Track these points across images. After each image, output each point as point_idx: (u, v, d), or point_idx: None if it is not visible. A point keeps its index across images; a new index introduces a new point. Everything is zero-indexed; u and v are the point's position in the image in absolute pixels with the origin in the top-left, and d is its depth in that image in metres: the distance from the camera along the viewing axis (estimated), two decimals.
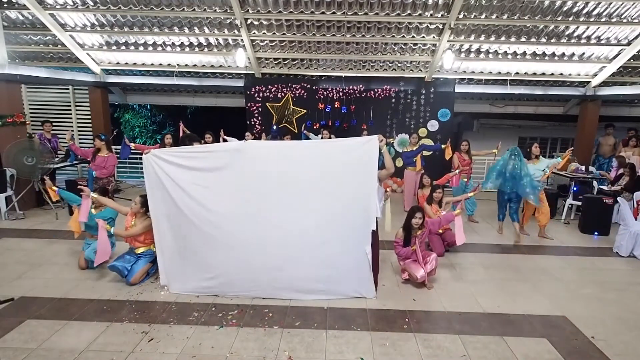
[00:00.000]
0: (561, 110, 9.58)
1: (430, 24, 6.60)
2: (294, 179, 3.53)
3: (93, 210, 4.13)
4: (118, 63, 8.14)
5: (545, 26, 6.53)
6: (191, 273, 3.69)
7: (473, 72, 8.07)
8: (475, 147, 6.54)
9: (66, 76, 7.73)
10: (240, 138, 6.01)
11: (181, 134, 6.17)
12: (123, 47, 7.60)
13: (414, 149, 6.70)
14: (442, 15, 6.37)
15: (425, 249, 4.19)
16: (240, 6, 6.24)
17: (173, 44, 7.47)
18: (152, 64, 8.11)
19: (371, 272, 3.62)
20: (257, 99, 8.20)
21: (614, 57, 7.25)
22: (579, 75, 7.94)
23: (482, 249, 5.04)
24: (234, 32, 6.97)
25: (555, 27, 6.58)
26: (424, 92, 8.07)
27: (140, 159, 3.76)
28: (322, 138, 6.72)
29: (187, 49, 7.58)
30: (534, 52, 7.35)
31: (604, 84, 8.05)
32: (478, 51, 7.43)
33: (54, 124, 7.38)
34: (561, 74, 7.96)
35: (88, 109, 8.60)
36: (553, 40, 6.92)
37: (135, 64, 8.13)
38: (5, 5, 6.52)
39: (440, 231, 4.77)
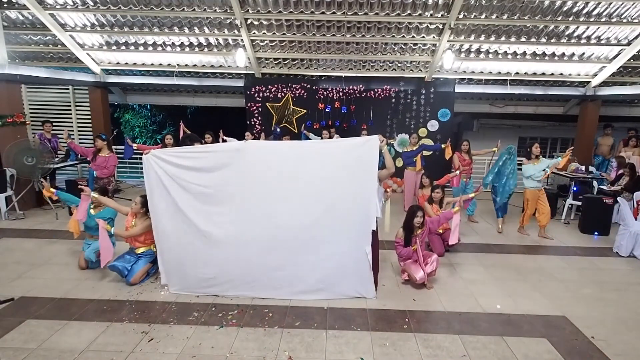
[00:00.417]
0: (561, 110, 9.58)
1: (430, 24, 6.60)
2: (293, 179, 3.53)
3: (92, 211, 4.13)
4: (118, 63, 8.15)
5: (545, 26, 6.53)
6: (191, 273, 3.69)
7: (473, 72, 8.07)
8: (475, 147, 6.54)
9: (66, 76, 7.73)
10: (240, 138, 6.00)
11: (181, 134, 6.17)
12: (123, 47, 7.60)
13: (414, 149, 6.70)
14: (442, 15, 6.37)
15: (425, 249, 4.19)
16: (240, 6, 6.24)
17: (173, 44, 7.47)
18: (152, 64, 8.11)
19: (371, 272, 3.61)
20: (257, 99, 8.21)
21: (614, 57, 7.25)
22: (579, 75, 7.94)
23: (482, 249, 5.04)
24: (234, 32, 6.97)
25: (555, 27, 6.59)
26: (424, 92, 8.07)
27: (140, 159, 3.75)
28: (322, 138, 6.73)
29: (187, 49, 7.58)
30: (534, 52, 7.35)
31: (604, 84, 8.05)
32: (478, 51, 7.43)
33: (54, 124, 7.38)
34: (561, 74, 7.96)
35: (88, 109, 8.59)
36: (553, 40, 6.92)
37: (135, 64, 8.13)
38: (5, 5, 6.52)
39: (441, 231, 4.77)
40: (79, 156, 6.76)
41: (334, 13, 6.33)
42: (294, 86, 8.12)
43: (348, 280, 3.61)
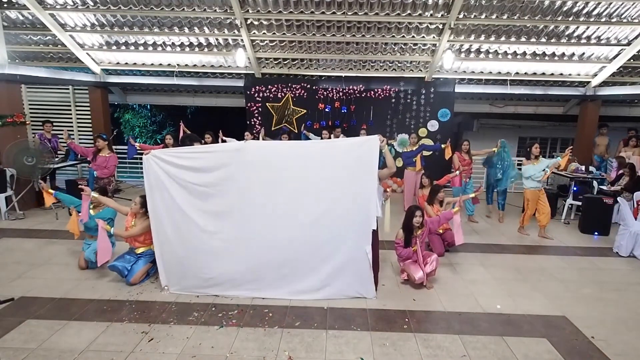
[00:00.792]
0: (561, 110, 9.58)
1: (430, 24, 6.60)
2: (293, 178, 3.53)
3: (92, 211, 4.13)
4: (118, 63, 8.15)
5: (545, 26, 6.53)
6: (191, 273, 3.69)
7: (473, 72, 8.07)
8: (475, 147, 6.54)
9: (66, 76, 7.73)
10: (240, 138, 6.00)
11: (181, 134, 6.17)
12: (123, 47, 7.60)
13: (414, 149, 6.70)
14: (442, 15, 6.37)
15: (425, 249, 4.19)
16: (240, 6, 6.24)
17: (173, 44, 7.47)
18: (152, 64, 8.11)
19: (371, 271, 3.61)
20: (257, 99, 8.20)
21: (614, 57, 7.25)
22: (579, 75, 7.94)
23: (482, 249, 5.04)
24: (234, 32, 6.97)
25: (555, 27, 6.59)
26: (424, 92, 8.07)
27: (140, 159, 3.75)
28: (322, 138, 6.72)
29: (187, 49, 7.58)
30: (534, 52, 7.35)
31: (604, 84, 8.05)
32: (478, 51, 7.43)
33: (54, 124, 7.38)
34: (561, 74, 7.96)
35: (88, 109, 8.59)
36: (553, 40, 6.92)
37: (135, 64, 8.13)
38: (5, 5, 6.52)
39: (440, 231, 4.77)
40: (78, 156, 6.76)
41: (334, 13, 6.33)
42: (294, 86, 8.12)
43: (348, 280, 3.61)
